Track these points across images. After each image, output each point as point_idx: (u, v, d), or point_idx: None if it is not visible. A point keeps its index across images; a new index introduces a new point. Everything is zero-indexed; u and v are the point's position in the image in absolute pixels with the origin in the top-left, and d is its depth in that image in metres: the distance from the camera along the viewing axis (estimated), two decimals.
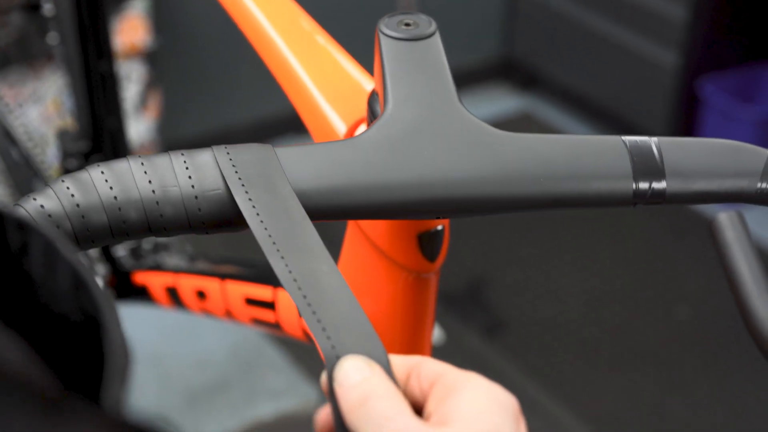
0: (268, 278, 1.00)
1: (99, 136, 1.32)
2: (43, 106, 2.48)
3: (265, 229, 0.59)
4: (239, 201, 0.61)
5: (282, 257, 0.58)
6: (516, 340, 2.43)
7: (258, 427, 2.08)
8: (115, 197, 0.60)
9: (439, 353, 1.04)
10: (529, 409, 2.21)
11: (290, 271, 0.57)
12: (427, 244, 0.81)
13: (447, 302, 2.48)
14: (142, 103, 2.69)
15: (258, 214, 0.60)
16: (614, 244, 2.77)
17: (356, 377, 0.49)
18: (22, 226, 0.42)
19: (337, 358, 0.51)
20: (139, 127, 2.68)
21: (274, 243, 0.58)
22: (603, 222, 2.85)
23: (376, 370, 0.49)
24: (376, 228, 0.82)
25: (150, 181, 0.61)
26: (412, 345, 0.90)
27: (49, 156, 2.29)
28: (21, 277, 0.43)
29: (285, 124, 2.85)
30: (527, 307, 2.55)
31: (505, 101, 3.55)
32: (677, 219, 2.87)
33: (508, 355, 2.37)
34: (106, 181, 0.61)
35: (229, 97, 3.06)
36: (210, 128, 2.96)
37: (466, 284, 2.58)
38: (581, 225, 2.84)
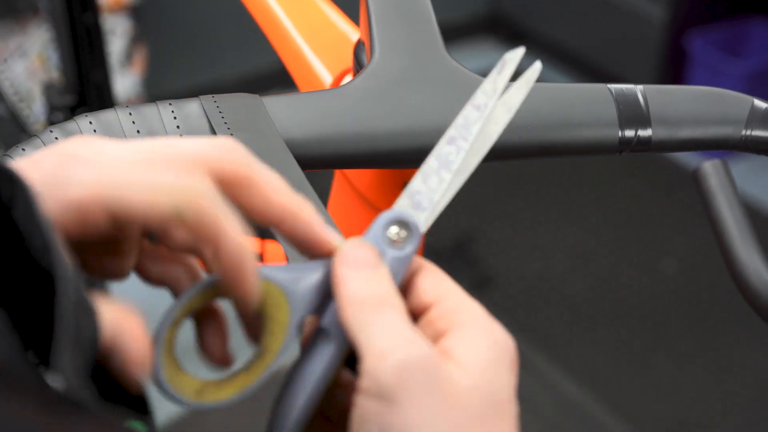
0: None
1: (85, 90, 1.31)
2: (28, 61, 2.47)
3: None
4: None
5: None
6: (503, 296, 2.44)
7: None
8: None
9: None
10: None
11: None
12: None
13: (434, 258, 2.47)
14: (127, 59, 2.67)
15: None
16: (600, 200, 2.78)
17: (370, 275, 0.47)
18: (12, 177, 0.41)
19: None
20: (124, 82, 2.67)
21: None
22: (589, 177, 2.86)
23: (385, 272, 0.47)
24: (363, 177, 0.82)
25: (138, 131, 0.61)
26: None
27: (35, 111, 2.28)
28: (11, 229, 0.43)
29: (271, 79, 2.84)
30: (514, 262, 2.55)
31: (491, 56, 3.54)
32: (663, 174, 2.87)
33: (494, 311, 2.36)
34: (95, 130, 0.61)
35: (215, 52, 3.04)
36: (196, 83, 2.95)
37: (453, 240, 2.59)
38: (568, 180, 2.85)
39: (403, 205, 0.50)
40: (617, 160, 2.89)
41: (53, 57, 2.45)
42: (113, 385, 0.45)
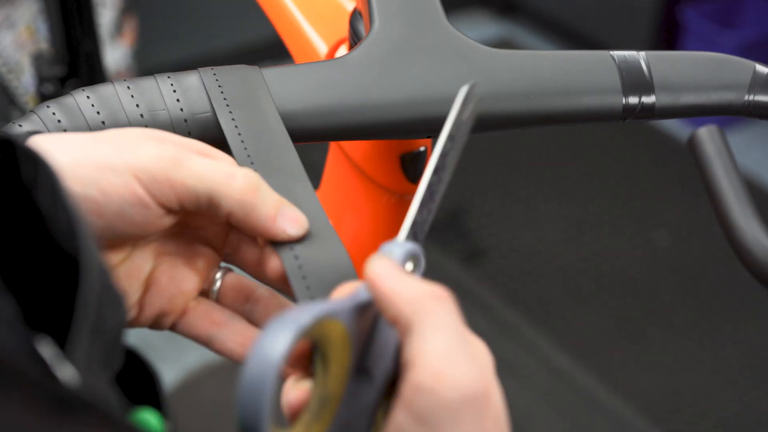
0: None
1: (75, 60, 1.30)
2: (16, 32, 2.45)
3: (245, 149, 0.59)
4: (222, 122, 0.60)
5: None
6: (495, 268, 2.44)
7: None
8: (103, 122, 0.59)
9: None
10: (509, 335, 2.23)
11: None
12: (410, 165, 0.81)
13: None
14: (118, 30, 2.65)
15: (239, 134, 0.59)
16: (593, 172, 2.78)
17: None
18: (34, 157, 0.40)
19: (308, 289, 0.52)
20: (114, 54, 2.65)
21: (252, 163, 0.58)
22: (582, 149, 2.85)
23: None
24: (359, 149, 0.81)
25: (137, 105, 0.60)
26: None
27: (24, 82, 2.26)
28: (32, 210, 0.42)
29: (263, 51, 2.82)
30: (506, 234, 2.55)
31: (484, 28, 3.52)
32: (656, 146, 2.87)
33: (487, 283, 2.38)
34: (93, 105, 0.59)
35: (206, 23, 3.02)
36: (187, 55, 2.93)
37: (446, 213, 2.59)
38: (560, 153, 2.84)
39: (407, 237, 0.52)
40: (610, 133, 2.88)
41: (42, 29, 2.43)
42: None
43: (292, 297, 0.55)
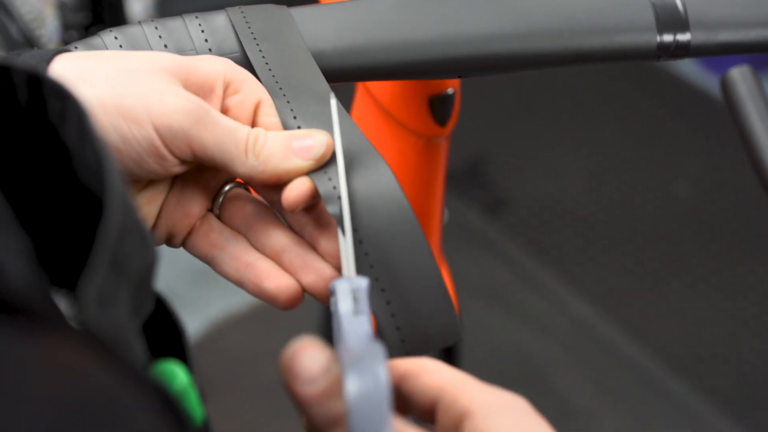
0: None
1: (98, 7, 1.30)
2: None
3: (273, 76, 0.59)
4: (250, 54, 0.60)
5: (288, 101, 0.57)
6: (516, 218, 2.44)
7: (251, 308, 2.10)
8: None
9: (442, 233, 1.05)
10: (530, 286, 2.23)
11: (295, 117, 0.57)
12: (438, 108, 0.81)
13: (448, 181, 2.48)
14: None
15: (267, 64, 0.59)
16: (614, 121, 2.77)
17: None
18: (61, 93, 0.40)
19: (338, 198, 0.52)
20: (137, 6, 2.64)
21: (281, 89, 0.58)
22: (603, 100, 2.84)
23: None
24: (387, 92, 0.81)
25: (165, 45, 0.60)
26: (423, 212, 0.91)
27: (48, 31, 2.26)
28: (58, 146, 0.42)
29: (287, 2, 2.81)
30: (527, 185, 2.55)
31: None
32: (678, 96, 2.85)
33: (509, 233, 2.39)
34: (120, 46, 0.59)
35: None
36: (209, 7, 2.91)
37: (467, 163, 2.58)
38: (581, 103, 2.83)
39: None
40: (633, 83, 2.87)
41: None
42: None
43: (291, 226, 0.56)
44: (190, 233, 0.57)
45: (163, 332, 0.47)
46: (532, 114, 2.78)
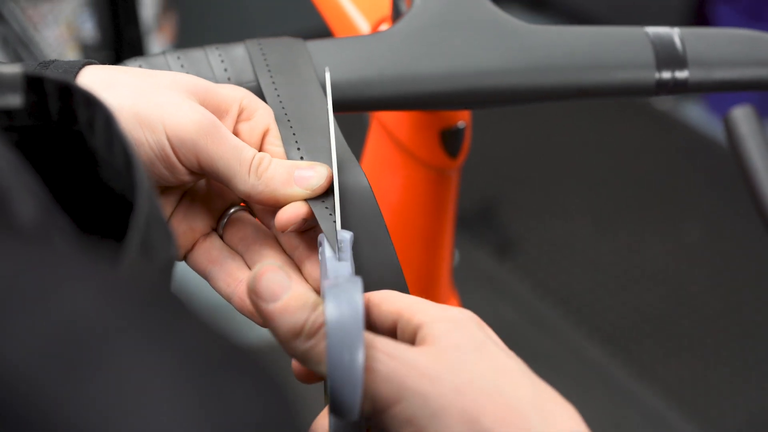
0: None
1: (119, 46, 1.34)
2: (58, 30, 2.48)
3: (283, 108, 0.61)
4: (263, 84, 0.62)
5: (294, 133, 0.60)
6: (526, 260, 2.46)
7: None
8: None
9: (453, 275, 1.07)
10: (540, 327, 2.24)
11: (299, 148, 0.59)
12: (450, 141, 0.83)
13: (458, 223, 2.50)
14: (157, 25, 2.68)
15: (278, 95, 0.62)
16: (624, 165, 2.79)
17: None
18: (90, 101, 0.43)
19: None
20: (154, 49, 2.68)
21: (288, 120, 0.61)
22: (614, 142, 2.86)
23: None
24: (400, 124, 0.84)
25: (187, 74, 0.63)
26: (433, 242, 0.93)
27: None
28: (86, 153, 0.44)
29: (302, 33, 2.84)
30: (538, 226, 2.56)
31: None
32: (687, 141, 2.87)
33: (519, 275, 2.40)
34: None
35: (246, 19, 3.04)
36: (228, 39, 2.94)
37: (478, 204, 2.60)
38: (592, 145, 2.85)
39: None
40: (641, 127, 2.89)
41: (82, 27, 2.46)
42: None
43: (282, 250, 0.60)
44: (192, 248, 0.60)
45: None
46: (543, 157, 2.81)
